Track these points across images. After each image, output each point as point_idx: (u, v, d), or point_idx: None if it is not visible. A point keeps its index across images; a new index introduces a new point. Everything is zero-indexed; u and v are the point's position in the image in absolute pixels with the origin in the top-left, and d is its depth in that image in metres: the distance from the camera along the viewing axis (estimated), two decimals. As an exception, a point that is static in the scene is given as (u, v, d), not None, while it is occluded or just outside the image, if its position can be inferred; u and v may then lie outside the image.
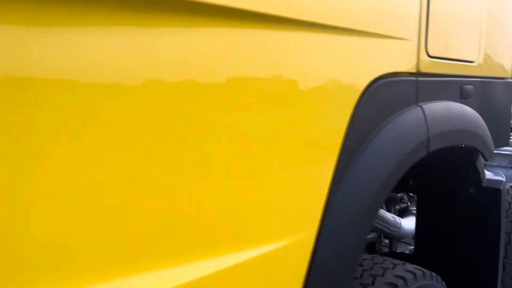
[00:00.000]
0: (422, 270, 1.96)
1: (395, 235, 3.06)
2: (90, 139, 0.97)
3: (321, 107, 1.43)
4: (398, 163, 1.67)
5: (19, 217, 0.91)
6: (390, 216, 3.04)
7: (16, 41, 0.87)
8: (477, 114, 2.24)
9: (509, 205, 3.13)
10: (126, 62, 1.00)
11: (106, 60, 0.98)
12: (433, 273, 2.01)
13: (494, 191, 2.36)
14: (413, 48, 1.80)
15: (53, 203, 0.94)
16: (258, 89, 1.26)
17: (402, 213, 3.45)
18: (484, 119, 2.29)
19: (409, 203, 3.54)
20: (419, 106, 1.83)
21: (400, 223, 3.06)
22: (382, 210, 3.07)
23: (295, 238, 1.36)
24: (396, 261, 2.00)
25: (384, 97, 1.66)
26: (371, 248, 3.41)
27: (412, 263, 2.03)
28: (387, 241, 3.49)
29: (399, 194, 3.36)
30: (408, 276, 1.89)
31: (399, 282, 1.85)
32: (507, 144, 2.90)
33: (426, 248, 2.65)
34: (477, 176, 2.34)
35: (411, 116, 1.76)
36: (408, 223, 3.11)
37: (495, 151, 5.31)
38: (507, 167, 5.29)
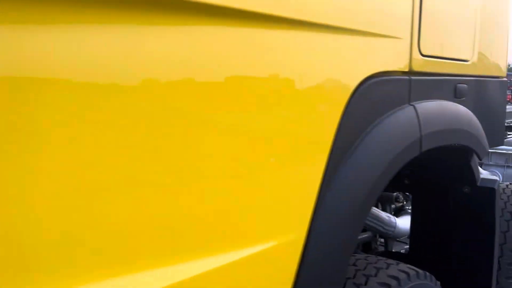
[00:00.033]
0: (415, 270, 1.95)
1: (390, 235, 3.05)
2: (85, 137, 0.97)
3: (311, 106, 1.42)
4: (390, 162, 1.66)
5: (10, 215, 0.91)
6: (385, 215, 3.03)
7: (13, 39, 0.87)
8: (471, 113, 2.24)
9: (505, 204, 3.13)
10: (123, 61, 1.01)
11: (104, 59, 0.98)
12: (427, 273, 2.00)
13: (489, 191, 2.35)
14: (406, 47, 1.79)
15: (42, 202, 0.94)
16: (247, 89, 1.25)
17: (398, 212, 3.44)
18: (479, 118, 2.29)
19: (404, 202, 3.53)
20: (411, 105, 1.82)
21: (395, 223, 3.05)
22: (377, 209, 3.06)
23: (285, 239, 1.35)
24: (390, 261, 1.99)
25: (376, 96, 1.65)
26: (367, 247, 3.40)
27: (407, 262, 2.02)
28: (382, 240, 3.48)
29: (395, 193, 3.35)
30: (402, 276, 1.88)
31: (392, 282, 1.84)
32: (502, 143, 2.89)
33: (421, 248, 2.65)
34: (472, 175, 2.34)
35: (404, 115, 1.75)
36: (404, 223, 3.10)
37: (491, 150, 5.33)
38: (504, 166, 5.29)
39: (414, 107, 1.82)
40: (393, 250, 3.46)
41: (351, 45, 1.53)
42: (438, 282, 2.09)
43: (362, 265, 1.92)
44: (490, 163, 5.35)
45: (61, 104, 0.94)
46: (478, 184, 2.36)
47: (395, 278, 1.86)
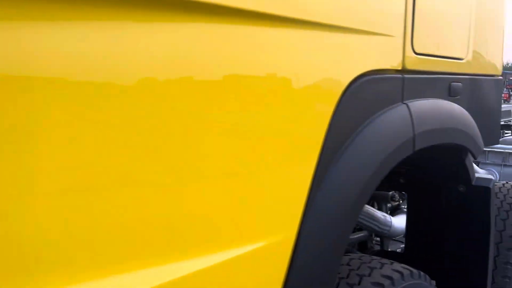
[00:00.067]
0: (409, 270, 1.93)
1: (386, 234, 3.04)
2: (81, 134, 0.98)
3: (301, 104, 1.40)
4: (382, 162, 1.64)
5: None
6: (380, 214, 3.02)
7: (11, 36, 0.87)
8: (466, 112, 2.23)
9: (501, 203, 3.12)
10: (120, 60, 1.02)
11: (102, 58, 0.98)
12: (421, 272, 1.99)
13: (484, 190, 2.34)
14: (398, 45, 1.78)
15: (40, 201, 0.94)
16: (235, 87, 1.24)
17: (394, 211, 3.43)
18: (474, 117, 2.28)
19: (401, 201, 3.52)
20: (404, 103, 1.80)
21: (391, 222, 3.04)
22: (372, 208, 3.05)
23: (274, 239, 1.34)
24: (384, 261, 1.98)
25: (368, 95, 1.63)
26: (363, 246, 3.39)
27: (403, 261, 2.01)
28: (379, 239, 3.47)
29: (390, 192, 3.34)
30: (395, 275, 1.87)
31: (386, 282, 1.83)
32: (498, 142, 2.88)
33: (417, 247, 2.64)
34: (467, 174, 2.32)
35: (396, 114, 1.74)
36: (399, 222, 3.09)
37: (488, 149, 5.32)
38: (501, 165, 5.28)
39: (407, 106, 1.80)
40: (390, 249, 3.45)
41: (342, 43, 1.51)
42: (433, 281, 2.08)
43: (356, 265, 1.91)
44: (487, 162, 5.34)
45: (59, 102, 0.94)
46: (473, 183, 2.35)
47: (389, 277, 1.85)
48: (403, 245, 3.35)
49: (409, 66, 1.83)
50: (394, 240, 3.53)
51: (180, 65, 1.12)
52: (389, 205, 3.43)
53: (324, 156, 1.44)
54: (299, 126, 1.40)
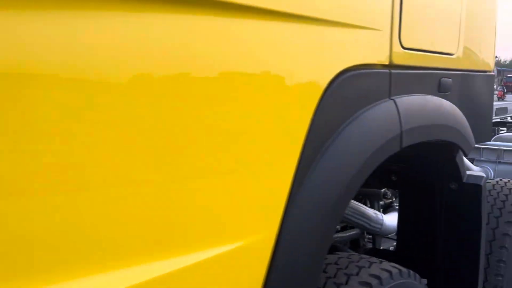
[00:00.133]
0: (399, 268, 1.90)
1: (377, 231, 3.01)
2: (77, 132, 0.97)
3: (282, 101, 1.36)
4: (367, 160, 1.60)
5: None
6: (372, 212, 2.99)
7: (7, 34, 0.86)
8: (456, 108, 2.19)
9: (495, 200, 3.09)
10: (118, 58, 1.01)
11: (100, 56, 0.98)
12: (411, 271, 1.96)
13: (475, 187, 2.31)
14: (385, 39, 1.74)
15: (38, 200, 0.94)
16: (212, 82, 1.20)
17: (386, 209, 3.40)
18: (464, 113, 2.24)
19: (393, 199, 3.49)
20: (392, 99, 1.77)
21: (383, 219, 3.01)
22: (364, 206, 3.02)
23: (253, 238, 1.30)
24: (373, 259, 1.94)
25: (354, 90, 1.60)
26: (355, 244, 3.36)
27: (394, 260, 1.98)
28: (371, 237, 3.44)
29: (383, 190, 3.30)
30: (384, 274, 1.84)
31: (374, 281, 1.80)
32: (489, 139, 2.85)
33: (409, 245, 2.61)
34: (458, 171, 2.29)
35: (383, 109, 1.70)
36: (391, 219, 3.05)
37: (483, 146, 5.29)
38: (495, 162, 5.26)
39: (394, 101, 1.77)
40: (382, 247, 3.43)
41: (325, 36, 1.47)
42: (424, 280, 2.05)
43: (344, 264, 1.88)
44: (482, 159, 5.32)
45: (57, 100, 0.93)
46: (464, 180, 2.32)
47: (377, 277, 1.82)
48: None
49: (397, 61, 1.80)
50: (387, 238, 3.50)
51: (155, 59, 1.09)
52: (381, 202, 3.39)
53: (306, 154, 1.41)
54: (280, 123, 1.36)
